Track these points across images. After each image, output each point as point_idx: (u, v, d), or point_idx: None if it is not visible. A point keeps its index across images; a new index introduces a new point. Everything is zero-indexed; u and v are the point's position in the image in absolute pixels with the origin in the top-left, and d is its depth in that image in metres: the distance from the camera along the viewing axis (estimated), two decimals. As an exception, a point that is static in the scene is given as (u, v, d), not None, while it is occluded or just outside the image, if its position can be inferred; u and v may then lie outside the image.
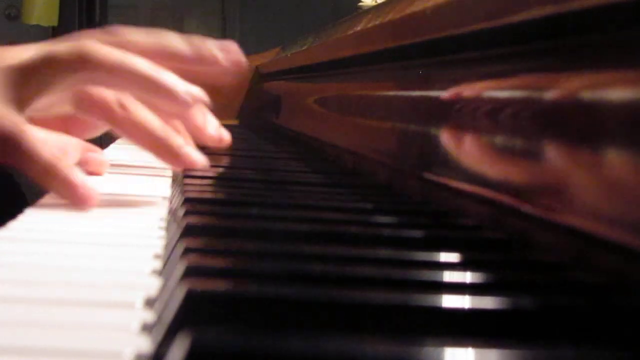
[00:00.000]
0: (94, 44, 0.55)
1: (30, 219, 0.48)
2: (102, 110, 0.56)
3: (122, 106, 0.56)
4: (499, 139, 0.43)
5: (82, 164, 0.63)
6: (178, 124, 0.62)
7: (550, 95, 0.38)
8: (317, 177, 0.71)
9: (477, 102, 0.47)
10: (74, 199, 0.51)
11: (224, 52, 0.61)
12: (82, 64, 0.54)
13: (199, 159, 0.58)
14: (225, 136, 0.65)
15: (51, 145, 0.53)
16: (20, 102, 0.54)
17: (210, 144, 0.64)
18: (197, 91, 0.57)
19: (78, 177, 0.52)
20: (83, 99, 0.56)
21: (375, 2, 1.16)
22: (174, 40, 0.60)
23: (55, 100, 0.57)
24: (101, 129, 0.65)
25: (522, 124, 0.40)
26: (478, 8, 0.48)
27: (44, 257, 0.39)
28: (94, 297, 0.32)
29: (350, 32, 0.85)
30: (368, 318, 0.27)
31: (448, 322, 0.27)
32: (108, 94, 0.56)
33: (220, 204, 0.52)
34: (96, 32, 0.60)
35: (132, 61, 0.55)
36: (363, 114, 0.76)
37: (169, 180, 0.69)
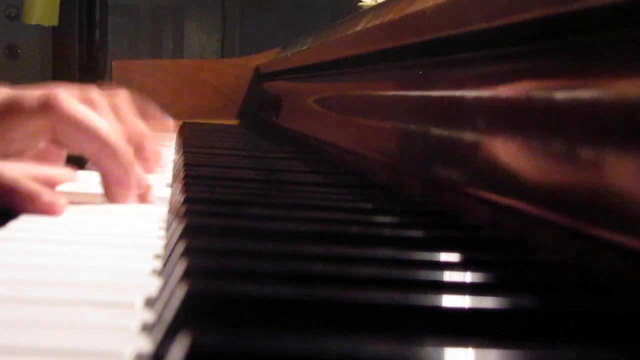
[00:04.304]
0: (64, 93, 0.55)
1: (30, 219, 0.48)
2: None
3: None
4: (499, 139, 0.43)
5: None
6: None
7: (550, 95, 0.38)
8: (317, 177, 0.71)
9: (477, 102, 0.47)
10: (41, 207, 0.51)
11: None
12: (47, 112, 0.55)
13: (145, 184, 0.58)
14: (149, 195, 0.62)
15: (13, 167, 0.54)
16: None
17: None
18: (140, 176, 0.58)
19: (40, 187, 0.52)
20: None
21: (375, 2, 1.16)
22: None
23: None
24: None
25: (522, 124, 0.40)
26: (478, 8, 0.48)
27: (44, 257, 0.39)
28: (94, 297, 0.32)
29: (350, 32, 0.85)
30: (368, 318, 0.27)
31: (448, 322, 0.27)
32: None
33: (220, 204, 0.52)
34: (34, 98, 0.60)
35: (96, 121, 0.55)
36: (363, 114, 0.76)
37: (169, 181, 0.69)
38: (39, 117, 0.55)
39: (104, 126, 0.56)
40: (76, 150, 0.58)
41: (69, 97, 0.56)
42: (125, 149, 0.57)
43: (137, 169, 0.58)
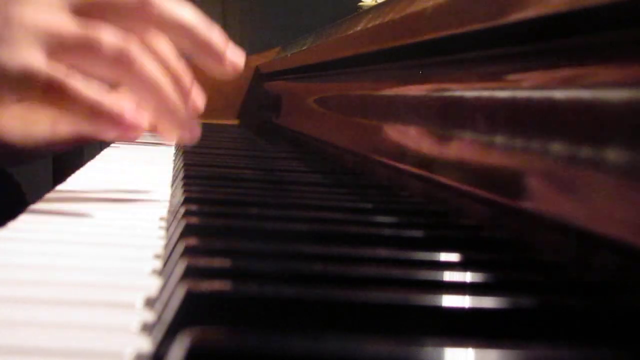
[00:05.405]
0: (139, 50, 0.54)
1: (30, 219, 0.48)
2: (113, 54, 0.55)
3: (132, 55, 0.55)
4: (499, 139, 0.43)
5: None
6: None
7: (550, 95, 0.38)
8: (317, 177, 0.71)
9: (477, 102, 0.47)
10: (124, 129, 0.52)
11: (229, 62, 0.61)
12: (120, 65, 0.54)
13: (197, 132, 0.59)
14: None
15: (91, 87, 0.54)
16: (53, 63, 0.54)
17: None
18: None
19: (123, 108, 0.52)
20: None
21: (375, 2, 1.16)
22: (200, 25, 0.60)
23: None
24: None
25: (522, 124, 0.40)
26: (478, 8, 0.48)
27: (44, 257, 0.39)
28: (94, 297, 0.32)
29: (350, 32, 0.85)
30: (368, 318, 0.27)
31: (448, 322, 0.27)
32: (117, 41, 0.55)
33: (220, 204, 0.52)
34: None
35: (162, 83, 0.55)
36: (363, 114, 0.76)
37: (169, 180, 0.69)
38: (110, 67, 0.54)
39: (167, 87, 0.56)
40: (133, 96, 0.57)
41: (142, 55, 0.55)
42: (182, 113, 0.57)
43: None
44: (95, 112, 0.52)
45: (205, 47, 0.59)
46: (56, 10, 0.55)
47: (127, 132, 0.52)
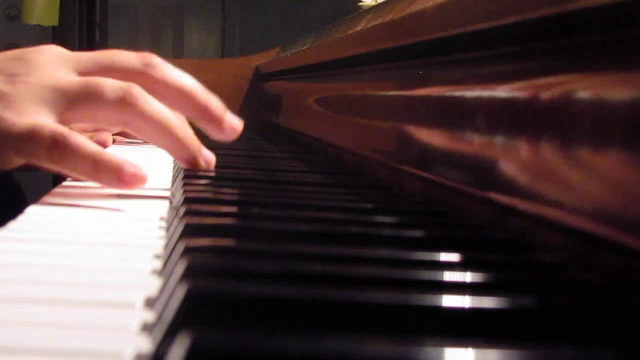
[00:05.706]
0: (141, 90, 0.57)
1: (30, 219, 0.48)
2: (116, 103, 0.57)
3: (133, 98, 0.57)
4: (499, 139, 0.43)
5: None
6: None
7: (550, 95, 0.38)
8: (317, 177, 0.71)
9: (477, 102, 0.47)
10: (126, 182, 0.54)
11: (229, 127, 0.64)
12: (125, 107, 0.57)
13: (212, 159, 0.63)
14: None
15: (91, 142, 0.56)
16: (62, 122, 0.57)
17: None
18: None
19: (125, 161, 0.54)
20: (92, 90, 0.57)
21: (376, 2, 1.16)
22: (200, 91, 0.63)
23: None
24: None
25: (523, 124, 0.40)
26: (478, 8, 0.48)
27: (44, 257, 0.39)
28: (94, 297, 0.32)
29: (350, 32, 0.85)
30: (368, 318, 0.27)
31: (448, 322, 0.27)
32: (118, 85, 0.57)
33: (220, 204, 0.52)
34: (133, 57, 0.62)
35: (169, 119, 0.58)
36: (363, 114, 0.76)
37: (169, 180, 0.69)
38: (116, 111, 0.57)
39: (174, 121, 0.59)
40: (143, 139, 0.62)
41: (145, 95, 0.57)
42: (195, 141, 0.61)
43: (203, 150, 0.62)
44: (96, 166, 0.54)
45: (204, 112, 0.62)
46: (61, 72, 0.57)
47: (128, 185, 0.54)
